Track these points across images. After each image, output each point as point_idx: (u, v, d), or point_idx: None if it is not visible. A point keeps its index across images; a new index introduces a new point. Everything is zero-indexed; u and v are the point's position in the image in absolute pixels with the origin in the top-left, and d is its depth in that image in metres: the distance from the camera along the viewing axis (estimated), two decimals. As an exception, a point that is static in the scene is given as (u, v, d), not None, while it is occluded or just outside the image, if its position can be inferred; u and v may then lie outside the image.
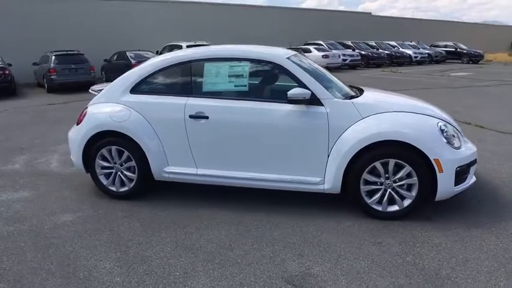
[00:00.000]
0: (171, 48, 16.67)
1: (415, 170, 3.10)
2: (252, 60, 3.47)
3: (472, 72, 17.83)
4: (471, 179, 3.32)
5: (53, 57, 13.27)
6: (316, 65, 3.90)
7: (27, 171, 4.80)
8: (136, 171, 3.71)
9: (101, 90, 4.06)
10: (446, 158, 3.06)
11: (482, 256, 2.69)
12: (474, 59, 25.25)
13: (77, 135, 3.84)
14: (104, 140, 3.73)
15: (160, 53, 16.77)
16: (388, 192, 3.21)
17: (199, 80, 3.57)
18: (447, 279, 2.45)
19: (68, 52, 13.99)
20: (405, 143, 3.06)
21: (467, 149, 3.25)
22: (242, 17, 24.24)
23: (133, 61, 14.27)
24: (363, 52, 23.56)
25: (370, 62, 23.09)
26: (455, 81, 14.38)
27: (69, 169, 4.83)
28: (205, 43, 16.45)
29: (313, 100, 3.23)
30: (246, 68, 3.45)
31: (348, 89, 3.72)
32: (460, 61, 25.62)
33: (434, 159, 3.04)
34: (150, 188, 3.92)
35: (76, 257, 2.79)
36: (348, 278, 2.48)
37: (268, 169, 3.40)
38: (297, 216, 3.37)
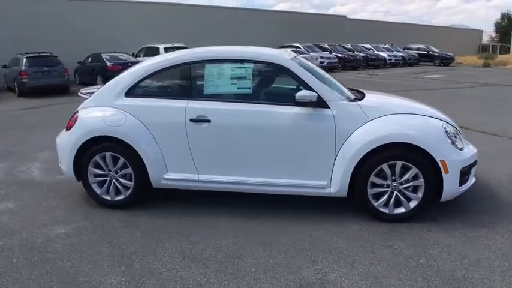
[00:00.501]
0: (148, 50, 16.33)
1: (421, 172, 3.11)
2: (255, 62, 3.39)
3: (445, 75, 18.49)
4: (472, 180, 3.38)
5: (24, 59, 12.64)
6: (317, 68, 3.87)
7: (7, 181, 4.49)
8: (133, 179, 3.53)
9: (91, 93, 3.86)
10: (452, 159, 3.09)
11: (493, 256, 2.72)
12: (445, 61, 26.27)
13: (68, 142, 3.61)
14: (98, 146, 3.52)
15: (137, 55, 16.35)
16: (394, 194, 3.21)
17: (200, 82, 3.45)
18: (463, 280, 2.46)
19: (40, 54, 13.37)
20: (412, 144, 3.08)
21: (470, 150, 3.31)
22: (219, 19, 24.11)
23: (109, 63, 13.85)
24: (340, 55, 24.00)
25: (347, 64, 23.54)
26: (430, 83, 14.87)
27: (54, 178, 4.57)
28: (183, 45, 16.23)
29: (320, 102, 3.19)
30: (249, 69, 3.36)
31: (349, 92, 3.70)
32: (432, 63, 26.55)
33: (440, 161, 3.07)
34: (146, 197, 3.74)
35: (77, 273, 2.60)
36: (367, 283, 2.44)
37: (273, 173, 3.33)
38: (303, 221, 3.31)
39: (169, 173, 3.49)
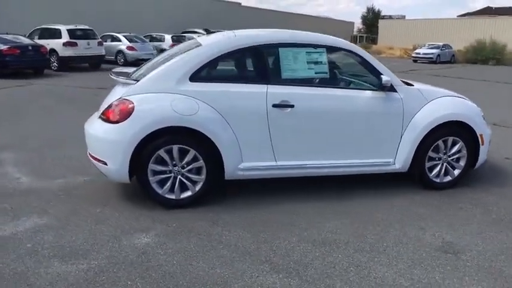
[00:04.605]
0: (45, 31, 13.83)
1: (465, 145, 3.70)
2: (329, 47, 3.42)
3: (338, 63, 20.83)
4: None
5: None
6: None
7: (0, 191, 3.49)
8: (204, 172, 3.20)
9: (125, 73, 3.36)
10: (486, 133, 3.77)
11: (533, 207, 3.48)
12: (330, 50, 29.39)
13: (122, 136, 3.03)
14: (163, 139, 3.07)
15: (29, 37, 13.61)
16: (444, 165, 3.74)
17: (276, 66, 3.31)
18: (535, 227, 3.11)
19: None
20: (462, 122, 3.63)
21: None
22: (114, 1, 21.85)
23: (3, 46, 11.20)
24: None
25: (250, 52, 24.15)
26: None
27: (53, 181, 3.78)
28: (87, 27, 14.30)
29: (391, 87, 3.46)
30: (323, 54, 3.38)
31: None
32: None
33: (479, 135, 3.71)
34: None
35: (227, 281, 2.32)
36: (478, 239, 2.87)
37: (349, 155, 3.47)
38: (370, 196, 3.55)
39: (244, 163, 3.28)
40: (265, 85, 3.24)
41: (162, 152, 3.10)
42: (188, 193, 3.24)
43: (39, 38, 13.20)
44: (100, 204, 3.31)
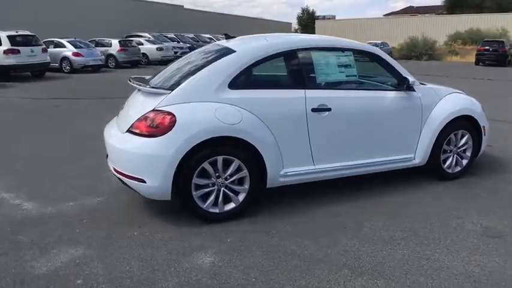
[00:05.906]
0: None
1: (471, 136, 4.03)
2: (354, 51, 3.50)
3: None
4: None
5: None
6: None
7: (6, 221, 3.03)
8: (247, 182, 3.09)
9: (143, 80, 3.22)
10: (487, 125, 4.14)
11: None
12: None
13: (164, 150, 2.81)
14: (207, 150, 2.92)
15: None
16: (455, 157, 4.03)
17: (310, 70, 3.30)
18: (543, 205, 3.49)
19: None
20: (471, 116, 3.94)
21: (484, 118, 4.45)
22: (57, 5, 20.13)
23: None
24: (188, 44, 24.15)
25: (198, 54, 23.86)
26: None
27: (65, 205, 3.41)
28: (29, 33, 13.01)
29: (410, 86, 3.64)
30: (351, 57, 3.46)
31: None
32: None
33: (482, 126, 4.06)
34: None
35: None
36: (508, 221, 3.13)
37: (378, 153, 3.59)
38: (396, 193, 3.70)
39: (285, 169, 3.24)
40: (303, 90, 3.22)
41: (206, 165, 2.94)
42: (231, 205, 3.11)
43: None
44: (133, 225, 3.05)
